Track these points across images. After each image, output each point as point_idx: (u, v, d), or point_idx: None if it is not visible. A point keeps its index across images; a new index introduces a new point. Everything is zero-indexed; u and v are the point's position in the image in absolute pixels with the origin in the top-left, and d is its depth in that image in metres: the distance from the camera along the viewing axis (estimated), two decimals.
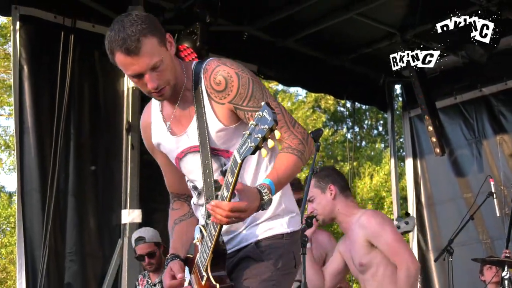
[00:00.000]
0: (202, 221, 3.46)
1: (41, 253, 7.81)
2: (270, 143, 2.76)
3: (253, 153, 2.78)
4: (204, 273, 3.25)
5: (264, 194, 3.03)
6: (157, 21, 3.25)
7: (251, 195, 3.02)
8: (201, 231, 3.35)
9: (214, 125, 3.28)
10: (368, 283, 5.08)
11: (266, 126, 2.70)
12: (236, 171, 2.88)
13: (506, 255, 6.61)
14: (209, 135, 3.27)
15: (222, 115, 3.28)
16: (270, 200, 3.06)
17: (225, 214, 2.94)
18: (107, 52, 3.23)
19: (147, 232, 7.33)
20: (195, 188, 3.49)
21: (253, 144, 2.75)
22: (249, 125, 2.79)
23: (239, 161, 2.84)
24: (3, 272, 22.35)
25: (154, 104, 3.57)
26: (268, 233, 3.35)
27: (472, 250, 9.43)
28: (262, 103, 2.78)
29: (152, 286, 7.25)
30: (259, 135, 2.72)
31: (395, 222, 5.67)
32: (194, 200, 3.56)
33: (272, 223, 3.36)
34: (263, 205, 3.03)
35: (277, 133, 2.75)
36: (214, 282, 3.19)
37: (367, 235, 4.98)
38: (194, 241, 3.41)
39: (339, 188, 5.22)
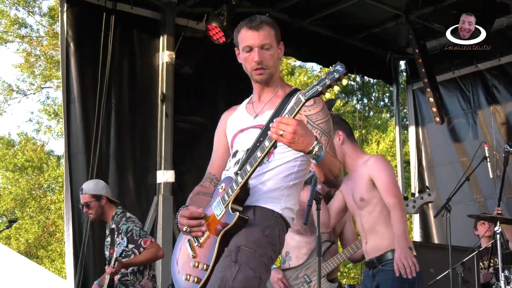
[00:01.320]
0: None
1: None
2: (336, 88, 2.98)
3: (318, 95, 2.99)
4: (223, 209, 3.30)
5: (319, 141, 3.09)
6: (278, 28, 3.64)
7: (308, 129, 3.10)
8: (228, 178, 3.39)
9: None
10: (364, 219, 5.02)
11: (337, 75, 2.93)
12: (296, 110, 3.04)
13: (498, 212, 6.58)
14: None
15: None
16: (321, 148, 3.08)
17: (293, 129, 2.98)
18: (234, 33, 3.61)
19: (87, 184, 6.62)
20: (235, 153, 3.55)
21: (320, 88, 2.96)
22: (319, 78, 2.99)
23: (302, 100, 3.00)
24: (52, 226, 22.60)
25: (244, 102, 3.76)
26: (265, 205, 3.37)
27: (467, 208, 9.40)
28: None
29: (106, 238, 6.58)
30: (329, 81, 2.94)
31: (416, 195, 5.58)
32: (226, 165, 3.61)
33: (272, 200, 3.39)
34: (315, 146, 3.05)
35: (344, 81, 2.99)
36: (232, 212, 3.26)
37: (371, 173, 4.93)
38: (218, 187, 3.43)
39: (346, 133, 5.16)
